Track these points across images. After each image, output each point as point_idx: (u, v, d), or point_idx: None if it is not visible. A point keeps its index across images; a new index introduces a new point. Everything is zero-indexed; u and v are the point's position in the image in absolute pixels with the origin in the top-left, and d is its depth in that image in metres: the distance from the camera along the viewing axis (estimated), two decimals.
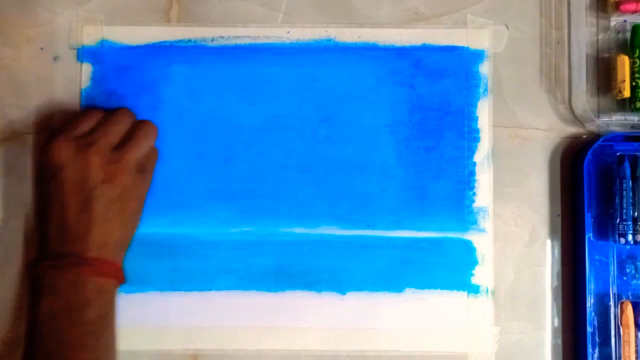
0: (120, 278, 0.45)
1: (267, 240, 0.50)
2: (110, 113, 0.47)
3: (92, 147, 0.44)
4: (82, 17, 0.51)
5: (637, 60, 0.49)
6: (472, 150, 0.51)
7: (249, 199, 0.50)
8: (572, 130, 0.51)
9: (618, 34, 0.51)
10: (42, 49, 0.51)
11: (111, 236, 0.44)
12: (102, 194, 0.44)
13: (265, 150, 0.51)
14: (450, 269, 0.50)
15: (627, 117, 0.50)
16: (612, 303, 0.49)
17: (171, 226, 0.50)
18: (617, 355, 0.48)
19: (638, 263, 0.49)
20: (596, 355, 0.48)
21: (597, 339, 0.49)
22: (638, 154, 0.49)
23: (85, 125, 0.46)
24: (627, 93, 0.49)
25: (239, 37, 0.51)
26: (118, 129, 0.46)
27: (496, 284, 0.50)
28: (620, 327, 0.48)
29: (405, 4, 0.52)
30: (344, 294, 0.50)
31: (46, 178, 0.44)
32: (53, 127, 0.50)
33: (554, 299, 0.50)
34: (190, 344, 0.50)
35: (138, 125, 0.47)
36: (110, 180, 0.44)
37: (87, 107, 0.49)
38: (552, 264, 0.51)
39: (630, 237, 0.48)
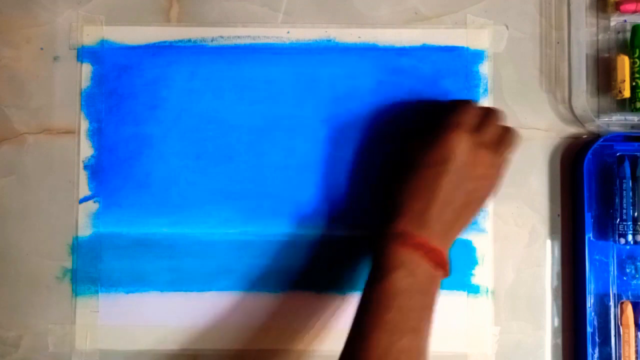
0: (447, 273, 0.44)
1: (267, 240, 0.50)
2: (489, 111, 0.46)
3: (484, 148, 0.44)
4: (82, 17, 0.51)
5: (637, 60, 0.49)
6: None
7: (249, 199, 0.50)
8: (572, 130, 0.51)
9: (618, 34, 0.51)
10: (42, 49, 0.51)
11: (456, 233, 0.44)
12: (474, 192, 0.44)
13: (265, 150, 0.51)
14: (450, 269, 0.50)
15: (627, 117, 0.50)
16: (612, 303, 0.49)
17: (171, 226, 0.50)
18: (617, 355, 0.48)
19: (638, 263, 0.49)
20: (596, 355, 0.48)
21: (597, 339, 0.49)
22: (638, 154, 0.49)
23: (472, 119, 0.45)
24: (627, 93, 0.49)
25: (239, 37, 0.51)
26: (499, 131, 0.46)
27: (496, 284, 0.50)
28: (620, 327, 0.48)
29: (405, 4, 0.52)
30: (344, 294, 0.50)
31: (435, 163, 0.43)
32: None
33: (554, 299, 0.50)
34: (190, 344, 0.50)
35: (508, 131, 0.46)
36: (485, 180, 0.44)
37: (463, 100, 0.47)
38: (552, 264, 0.51)
39: (630, 237, 0.48)
